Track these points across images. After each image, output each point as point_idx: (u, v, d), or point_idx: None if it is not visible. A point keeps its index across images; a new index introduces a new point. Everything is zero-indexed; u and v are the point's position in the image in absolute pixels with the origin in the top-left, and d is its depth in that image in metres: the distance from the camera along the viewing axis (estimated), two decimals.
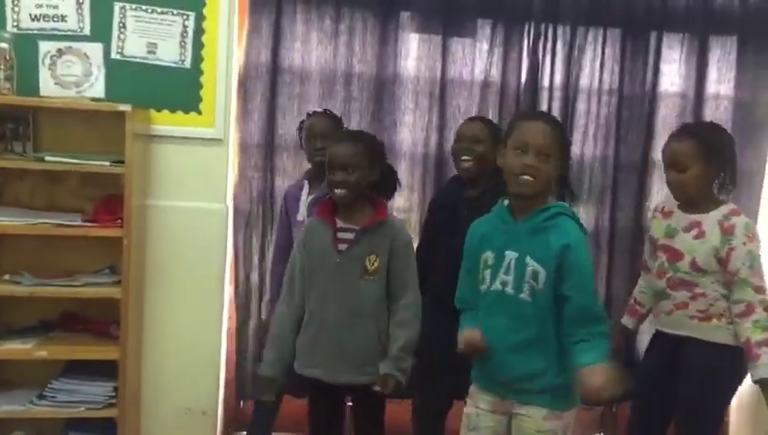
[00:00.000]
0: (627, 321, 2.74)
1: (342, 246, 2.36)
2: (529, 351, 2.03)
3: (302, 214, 2.92)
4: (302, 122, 3.07)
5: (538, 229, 2.03)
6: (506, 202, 2.14)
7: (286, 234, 3.00)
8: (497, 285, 2.06)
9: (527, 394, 2.06)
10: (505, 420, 2.12)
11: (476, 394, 2.18)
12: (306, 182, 2.97)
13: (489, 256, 2.09)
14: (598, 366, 1.91)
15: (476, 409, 2.16)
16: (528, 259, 2.02)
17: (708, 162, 2.44)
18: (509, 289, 2.04)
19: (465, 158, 2.75)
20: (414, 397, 2.92)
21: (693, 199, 2.49)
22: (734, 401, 3.71)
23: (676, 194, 2.50)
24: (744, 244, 2.38)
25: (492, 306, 2.08)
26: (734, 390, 2.40)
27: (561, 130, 2.11)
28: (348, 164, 2.33)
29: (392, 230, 2.38)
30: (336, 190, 2.35)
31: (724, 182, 2.51)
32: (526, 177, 2.01)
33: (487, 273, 2.09)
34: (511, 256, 2.05)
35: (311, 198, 2.92)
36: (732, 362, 2.40)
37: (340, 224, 2.39)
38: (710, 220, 2.44)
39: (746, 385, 3.66)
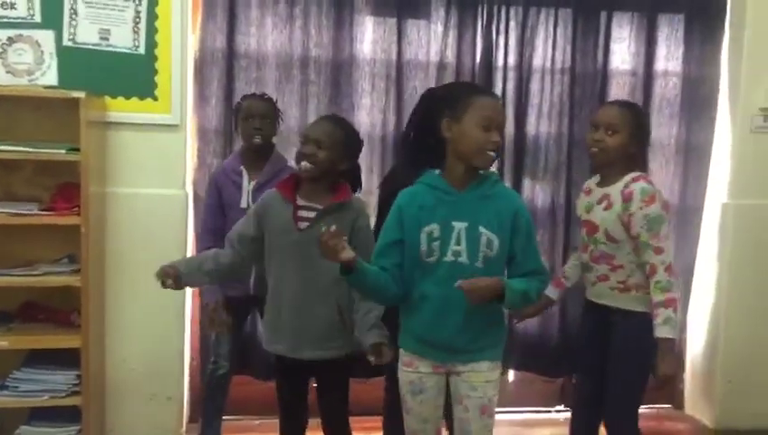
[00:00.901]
0: (550, 291, 2.81)
1: (303, 224, 2.38)
2: (476, 317, 2.10)
3: (245, 201, 2.87)
4: (237, 104, 3.03)
5: (485, 197, 2.11)
6: (437, 172, 2.17)
7: (218, 219, 2.90)
8: (449, 256, 2.11)
9: (471, 353, 2.15)
10: (444, 376, 2.21)
11: (414, 361, 2.21)
12: (243, 168, 2.92)
13: (434, 228, 2.11)
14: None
15: (418, 373, 2.21)
16: (480, 228, 2.08)
17: (633, 133, 2.55)
18: (463, 259, 2.09)
19: None
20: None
21: (609, 168, 2.58)
22: (688, 369, 3.88)
23: (596, 154, 2.57)
24: (641, 208, 2.47)
25: (445, 277, 2.11)
26: (653, 357, 2.51)
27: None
28: (321, 140, 2.34)
29: (353, 211, 2.41)
30: (302, 163, 2.36)
31: (635, 160, 2.59)
32: (493, 153, 2.09)
33: (435, 245, 2.11)
34: (459, 226, 2.09)
35: (253, 183, 2.88)
36: (649, 328, 2.48)
37: (301, 202, 2.40)
38: (615, 190, 2.54)
39: (699, 354, 3.82)
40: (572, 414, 2.86)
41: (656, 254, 2.47)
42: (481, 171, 2.14)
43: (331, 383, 2.50)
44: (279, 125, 3.05)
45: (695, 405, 3.87)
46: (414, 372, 2.22)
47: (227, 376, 3.09)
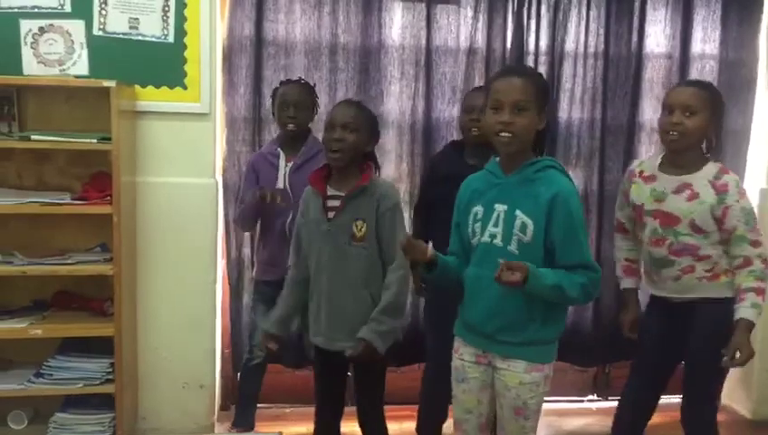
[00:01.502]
0: (629, 283, 2.71)
1: (331, 214, 2.38)
2: (509, 303, 2.04)
3: (281, 181, 2.92)
4: (275, 90, 3.06)
5: (527, 181, 2.05)
6: (497, 159, 2.15)
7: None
8: (486, 238, 2.08)
9: (508, 346, 2.09)
10: (490, 370, 2.15)
11: (460, 347, 2.22)
12: (279, 150, 2.97)
13: (479, 209, 2.11)
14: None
15: (462, 361, 2.20)
16: (517, 211, 2.03)
17: (713, 114, 2.45)
18: (497, 241, 2.06)
19: (474, 128, 2.79)
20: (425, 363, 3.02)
21: (682, 154, 2.48)
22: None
23: (675, 140, 2.44)
24: (738, 201, 2.41)
25: (480, 258, 2.10)
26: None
27: (536, 79, 2.08)
28: (348, 124, 2.34)
29: (377, 195, 2.38)
30: (332, 150, 2.35)
31: (712, 143, 2.51)
32: (504, 134, 2.02)
33: (477, 226, 2.11)
34: (500, 208, 2.06)
35: (290, 165, 2.92)
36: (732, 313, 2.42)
37: (330, 192, 2.40)
38: (700, 180, 2.44)
39: None
40: (621, 408, 2.74)
41: (753, 247, 2.41)
42: (537, 156, 2.09)
43: (365, 375, 2.49)
44: (316, 111, 3.04)
45: (731, 395, 3.79)
46: (459, 358, 2.21)
47: (262, 366, 3.12)
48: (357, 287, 2.37)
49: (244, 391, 3.18)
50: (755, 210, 3.52)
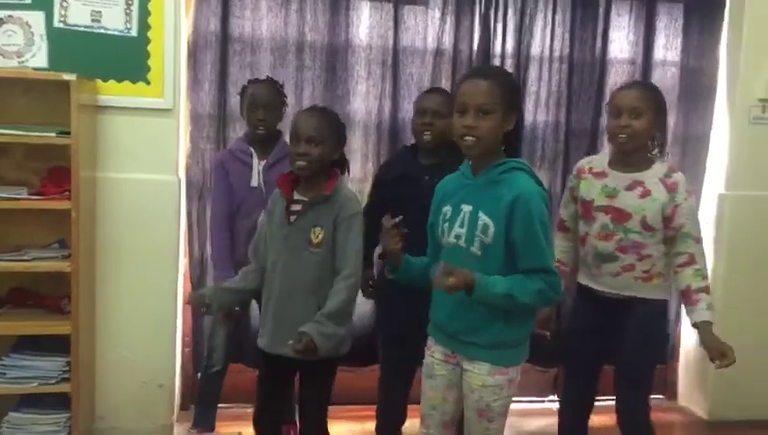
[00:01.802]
0: None
1: (293, 218, 2.38)
2: (473, 304, 2.03)
3: (255, 180, 2.90)
4: (244, 87, 3.02)
5: (492, 183, 2.05)
6: (469, 160, 2.16)
7: (229, 201, 2.93)
8: (452, 238, 2.09)
9: (472, 348, 2.09)
10: (458, 370, 2.16)
11: (432, 345, 2.23)
12: (251, 148, 2.94)
13: (448, 209, 2.13)
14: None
15: (432, 358, 2.21)
16: (480, 213, 2.03)
17: (657, 115, 2.51)
18: (461, 242, 2.07)
19: (426, 132, 2.76)
20: (381, 366, 2.99)
21: (632, 154, 2.52)
22: (682, 361, 3.88)
23: (625, 142, 2.49)
24: (686, 199, 2.47)
25: (446, 259, 2.10)
26: (667, 340, 2.52)
27: (502, 81, 2.07)
28: (312, 137, 2.32)
29: (338, 204, 2.37)
30: (297, 162, 2.34)
31: (660, 142, 2.57)
32: (468, 138, 2.02)
33: (446, 226, 2.12)
34: (466, 209, 2.07)
35: (263, 163, 2.90)
36: (664, 314, 2.54)
37: (296, 196, 2.40)
38: (651, 178, 2.49)
39: (691, 346, 3.81)
40: (562, 409, 2.82)
41: (696, 243, 2.47)
42: (504, 158, 2.08)
43: (309, 380, 2.46)
44: (284, 110, 3.03)
45: (688, 396, 3.87)
46: (430, 355, 2.22)
47: (222, 372, 3.09)
48: (306, 293, 2.36)
49: (205, 394, 3.14)
50: (713, 214, 3.65)
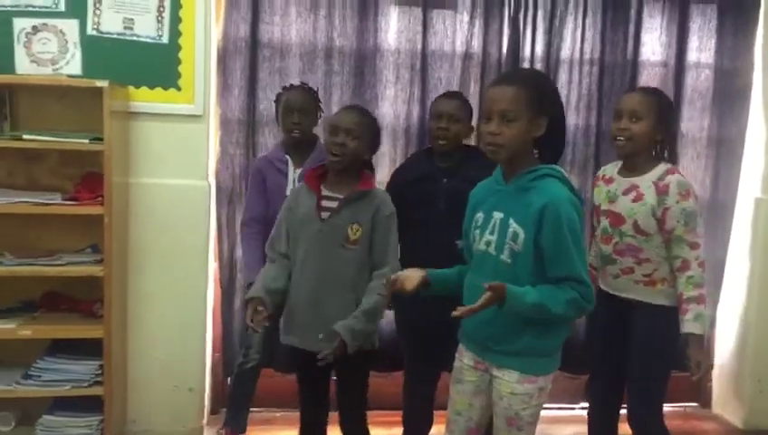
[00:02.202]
0: None
1: (325, 214, 2.36)
2: (505, 314, 1.99)
3: (290, 189, 2.87)
4: (278, 95, 3.04)
5: (522, 190, 2.02)
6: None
7: (263, 207, 2.94)
8: (482, 245, 2.07)
9: (500, 356, 2.07)
10: (487, 376, 2.13)
11: (462, 350, 2.21)
12: (287, 156, 2.95)
13: (480, 216, 2.11)
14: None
15: (461, 363, 2.19)
16: (510, 220, 2.01)
17: (659, 120, 2.50)
18: (491, 249, 2.04)
19: (441, 136, 2.75)
20: (405, 371, 2.97)
21: (635, 157, 2.52)
22: (716, 368, 3.81)
23: (623, 145, 2.50)
24: (678, 202, 2.43)
25: (477, 266, 2.10)
26: (674, 349, 2.50)
27: (529, 85, 2.01)
28: (351, 130, 2.34)
29: (376, 201, 2.38)
30: (332, 153, 2.35)
31: (663, 148, 2.55)
32: (491, 145, 2.00)
33: (477, 232, 2.10)
34: (497, 216, 2.05)
35: (299, 171, 2.89)
36: (674, 322, 2.47)
37: (325, 192, 2.39)
38: (646, 182, 2.48)
39: (728, 352, 3.75)
40: (590, 411, 2.80)
41: (691, 249, 2.43)
42: (537, 165, 2.05)
43: (348, 378, 2.47)
44: (320, 116, 3.03)
45: (723, 404, 3.80)
46: (459, 360, 2.21)
47: (257, 369, 3.10)
48: (345, 290, 2.36)
49: (238, 394, 3.15)
50: (749, 218, 3.57)
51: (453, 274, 2.21)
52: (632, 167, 2.55)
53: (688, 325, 2.41)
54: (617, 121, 2.53)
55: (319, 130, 3.05)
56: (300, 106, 2.91)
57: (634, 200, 2.48)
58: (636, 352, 2.54)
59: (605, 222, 2.56)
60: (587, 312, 2.06)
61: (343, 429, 2.51)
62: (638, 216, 2.46)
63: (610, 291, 2.61)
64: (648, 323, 2.51)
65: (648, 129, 2.48)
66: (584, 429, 2.82)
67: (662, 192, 2.44)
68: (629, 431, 2.63)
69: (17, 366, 2.89)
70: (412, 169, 2.90)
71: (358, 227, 2.34)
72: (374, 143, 2.46)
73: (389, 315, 2.98)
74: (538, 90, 2.02)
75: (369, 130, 2.41)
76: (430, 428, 2.92)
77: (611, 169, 2.66)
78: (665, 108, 2.55)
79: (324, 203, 2.38)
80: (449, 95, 2.91)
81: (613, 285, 2.60)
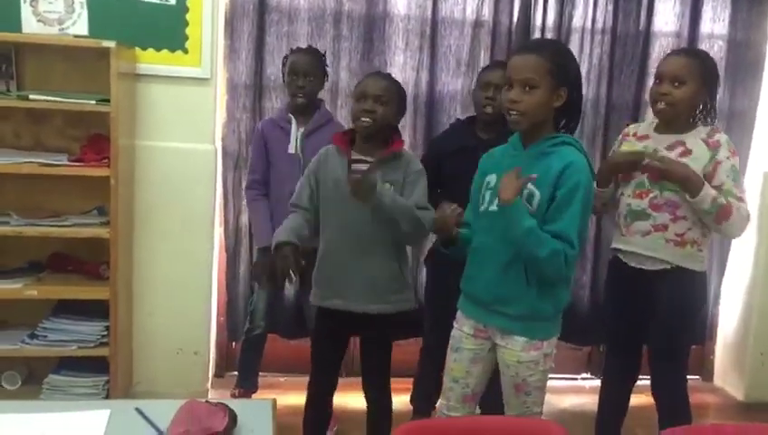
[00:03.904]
0: None
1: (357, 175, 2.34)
2: (511, 273, 2.03)
3: (293, 147, 2.89)
4: (285, 57, 3.01)
5: (541, 154, 2.02)
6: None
7: (265, 169, 2.94)
8: (494, 207, 2.06)
9: (505, 319, 2.08)
10: (488, 344, 2.15)
11: (461, 318, 2.22)
12: (291, 116, 2.93)
13: (492, 178, 2.10)
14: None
15: (460, 332, 2.20)
16: (528, 182, 2.01)
17: (703, 84, 2.43)
18: None
19: (488, 105, 2.75)
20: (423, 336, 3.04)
21: (674, 121, 2.47)
22: (720, 343, 3.82)
23: (663, 110, 2.44)
24: (728, 158, 2.41)
25: (485, 226, 2.10)
26: (700, 314, 2.45)
27: (551, 55, 2.01)
28: (380, 96, 2.33)
29: (406, 161, 2.39)
30: (362, 119, 2.33)
31: (706, 113, 2.50)
32: (512, 112, 2.00)
33: (488, 193, 2.10)
34: None
35: (302, 130, 2.89)
36: (701, 287, 2.47)
37: (355, 156, 2.38)
38: (693, 139, 2.44)
39: (728, 327, 3.75)
40: (604, 388, 2.78)
41: (738, 202, 2.39)
42: (556, 133, 2.06)
43: (379, 340, 2.48)
44: (326, 80, 3.01)
45: (725, 377, 3.81)
46: (458, 329, 2.21)
47: (263, 336, 3.13)
48: (383, 248, 2.35)
49: (247, 359, 3.19)
50: (758, 192, 3.55)
51: (467, 235, 2.20)
52: (673, 127, 2.48)
53: (696, 187, 2.33)
54: (658, 85, 2.45)
55: (324, 94, 3.02)
56: (305, 69, 2.89)
57: (682, 155, 2.42)
58: (663, 321, 2.48)
59: (642, 177, 2.48)
60: (562, 274, 2.02)
61: (368, 395, 2.53)
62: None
63: (635, 250, 2.50)
64: (677, 289, 2.46)
65: (691, 94, 2.41)
66: (587, 399, 2.84)
67: (713, 147, 2.40)
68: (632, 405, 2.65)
69: (23, 326, 2.91)
70: (451, 140, 2.87)
71: (390, 186, 2.33)
72: (401, 108, 2.45)
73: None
74: (560, 60, 2.02)
75: (397, 96, 2.40)
76: (439, 396, 2.95)
77: (645, 127, 2.59)
78: (709, 71, 2.47)
79: (355, 166, 2.35)
80: (498, 64, 2.87)
81: (641, 243, 2.49)
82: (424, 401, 2.98)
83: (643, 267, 2.50)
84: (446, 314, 2.75)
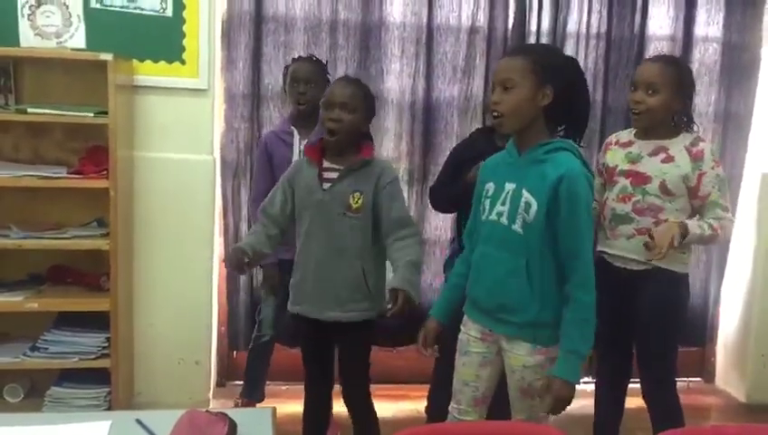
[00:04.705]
0: None
1: (326, 185, 2.37)
2: (512, 281, 2.03)
3: (296, 158, 2.88)
4: (286, 67, 3.03)
5: (536, 161, 2.02)
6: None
7: (270, 179, 2.93)
8: (493, 216, 2.07)
9: (511, 327, 2.08)
10: (495, 347, 2.15)
11: (468, 322, 2.22)
12: (293, 128, 2.94)
13: (491, 186, 2.11)
14: None
15: (467, 335, 2.21)
16: (523, 190, 2.01)
17: (677, 92, 2.46)
18: (503, 219, 2.05)
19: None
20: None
21: (653, 128, 2.49)
22: (720, 344, 3.82)
23: (638, 118, 2.48)
24: (713, 168, 2.44)
25: (487, 236, 2.10)
26: (685, 317, 2.49)
27: (533, 55, 2.01)
28: (346, 104, 2.33)
29: (377, 169, 2.38)
30: (329, 128, 2.34)
31: (680, 119, 2.52)
32: (494, 113, 2.01)
33: (487, 202, 2.10)
34: (509, 187, 2.05)
35: (305, 141, 2.90)
36: (684, 288, 2.49)
37: (326, 164, 2.40)
38: (676, 146, 2.47)
39: (732, 327, 3.76)
40: (598, 392, 2.80)
41: (723, 212, 2.44)
42: (550, 138, 2.05)
43: (351, 348, 2.48)
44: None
45: (726, 379, 3.81)
46: (465, 332, 2.22)
47: (270, 343, 3.14)
48: (349, 257, 2.36)
49: (253, 367, 3.19)
50: (756, 194, 3.56)
51: (456, 292, 2.23)
52: (654, 133, 2.50)
53: (690, 222, 2.40)
54: (633, 93, 2.48)
55: None
56: (305, 76, 2.90)
57: (664, 161, 2.46)
58: (646, 321, 2.51)
59: (624, 181, 2.52)
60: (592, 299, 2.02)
61: (347, 401, 2.53)
62: (668, 176, 2.44)
63: (619, 253, 2.54)
64: (660, 289, 2.48)
65: (665, 101, 2.44)
66: (588, 402, 2.83)
67: (696, 158, 2.43)
68: (632, 407, 2.66)
69: (25, 339, 2.92)
70: (471, 147, 2.86)
71: (359, 195, 2.34)
72: (369, 113, 2.44)
73: None
74: (542, 59, 2.01)
75: (364, 102, 2.38)
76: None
77: (626, 134, 2.63)
78: (683, 78, 2.49)
79: (326, 174, 2.39)
80: None
81: (626, 246, 2.52)
82: (439, 410, 2.97)
83: (626, 266, 2.53)
84: (456, 323, 2.75)
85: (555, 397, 1.97)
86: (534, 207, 1.98)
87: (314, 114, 2.93)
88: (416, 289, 2.26)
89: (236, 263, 2.34)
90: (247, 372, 3.24)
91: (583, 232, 1.98)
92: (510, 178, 2.06)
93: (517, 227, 2.01)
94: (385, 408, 2.58)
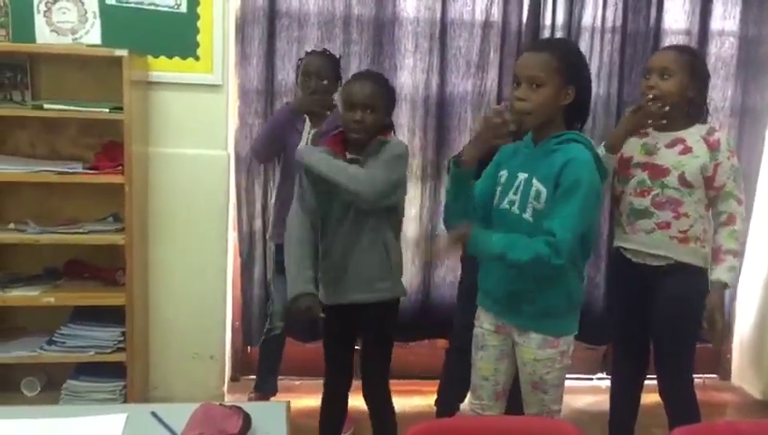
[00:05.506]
0: None
1: None
2: (528, 274, 2.03)
3: (303, 144, 2.89)
4: (299, 60, 3.04)
5: (548, 152, 2.03)
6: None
7: (270, 141, 3.00)
8: (505, 204, 2.08)
9: (519, 316, 2.09)
10: (509, 340, 2.16)
11: (481, 315, 2.23)
12: (306, 117, 2.95)
13: (504, 174, 2.12)
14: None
15: (482, 329, 2.21)
16: (534, 179, 2.02)
17: (691, 78, 2.44)
18: (515, 208, 2.05)
19: None
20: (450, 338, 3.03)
21: (669, 118, 2.45)
22: (737, 341, 3.79)
23: (652, 105, 2.43)
24: (728, 158, 2.42)
25: (497, 224, 2.11)
26: (703, 311, 2.45)
27: (560, 53, 2.01)
28: (368, 105, 2.33)
29: (389, 146, 2.38)
30: (353, 129, 2.34)
31: (698, 106, 2.50)
32: (517, 109, 2.00)
33: (498, 190, 2.12)
34: (522, 176, 2.06)
35: (314, 131, 2.90)
36: (704, 285, 2.46)
37: (350, 156, 2.40)
38: (693, 136, 2.45)
39: (748, 324, 3.73)
40: (614, 387, 2.79)
41: (738, 204, 2.43)
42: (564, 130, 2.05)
43: (373, 346, 2.49)
44: (340, 84, 3.02)
45: (742, 376, 3.79)
46: (479, 326, 2.23)
47: (281, 336, 3.16)
48: (369, 235, 2.38)
49: (266, 360, 3.22)
50: None
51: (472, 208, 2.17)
52: (669, 124, 2.45)
53: (721, 273, 2.38)
54: (646, 80, 2.47)
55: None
56: (317, 71, 2.90)
57: (681, 153, 2.43)
58: (665, 316, 2.49)
59: (642, 175, 2.49)
60: (549, 272, 1.99)
61: (367, 396, 2.54)
62: (687, 168, 2.42)
63: (638, 248, 2.52)
64: (679, 285, 2.46)
65: (678, 86, 2.42)
66: (602, 398, 2.83)
67: (713, 147, 2.41)
68: (648, 403, 2.65)
69: (41, 333, 2.95)
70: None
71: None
72: (390, 107, 2.45)
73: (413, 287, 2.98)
74: (568, 58, 2.03)
75: (385, 98, 2.39)
76: (465, 397, 2.95)
77: None
78: (697, 65, 2.48)
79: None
80: None
81: (646, 241, 2.50)
82: (451, 404, 2.98)
83: (645, 262, 2.51)
84: (470, 316, 2.75)
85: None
86: (544, 194, 1.99)
87: (325, 108, 2.94)
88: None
89: (308, 317, 2.38)
90: (260, 366, 3.26)
91: (576, 213, 1.94)
92: (523, 169, 2.07)
93: (527, 215, 2.03)
94: (397, 403, 2.57)
